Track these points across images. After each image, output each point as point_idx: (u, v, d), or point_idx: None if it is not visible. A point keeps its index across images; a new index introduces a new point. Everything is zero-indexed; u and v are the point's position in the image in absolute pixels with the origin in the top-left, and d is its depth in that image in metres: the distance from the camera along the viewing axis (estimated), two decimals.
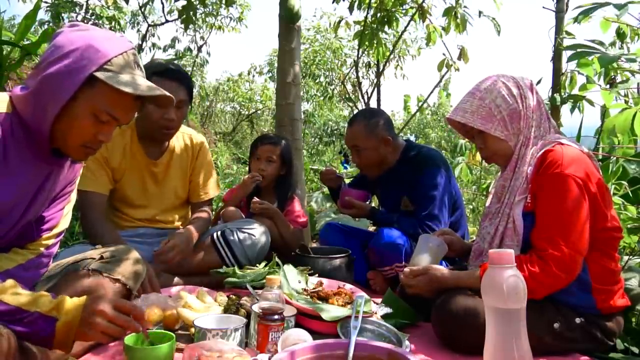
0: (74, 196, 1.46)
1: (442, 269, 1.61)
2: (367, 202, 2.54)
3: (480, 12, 3.58)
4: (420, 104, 5.17)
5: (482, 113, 1.57)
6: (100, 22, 7.96)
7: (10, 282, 1.09)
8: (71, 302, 1.10)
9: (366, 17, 3.89)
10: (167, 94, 1.30)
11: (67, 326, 1.07)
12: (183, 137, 2.30)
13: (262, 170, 2.48)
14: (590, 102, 2.39)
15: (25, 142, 1.21)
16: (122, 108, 1.25)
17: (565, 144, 1.50)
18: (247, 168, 2.59)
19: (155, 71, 2.05)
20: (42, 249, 1.37)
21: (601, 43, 1.82)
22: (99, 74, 1.18)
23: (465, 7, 3.58)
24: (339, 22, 4.66)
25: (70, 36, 1.20)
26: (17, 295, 1.07)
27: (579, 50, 1.80)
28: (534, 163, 1.51)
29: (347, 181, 2.75)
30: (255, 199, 2.40)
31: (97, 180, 2.06)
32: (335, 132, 13.79)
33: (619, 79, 2.41)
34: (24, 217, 1.27)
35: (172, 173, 2.26)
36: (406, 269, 1.67)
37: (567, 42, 2.59)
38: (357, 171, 5.57)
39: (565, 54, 2.68)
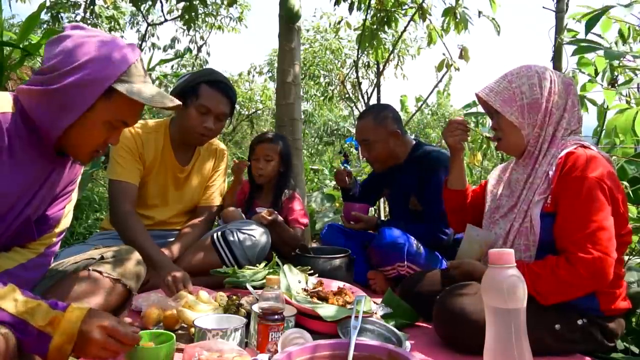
0: (74, 195, 1.46)
1: (474, 264, 1.63)
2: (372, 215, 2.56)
3: (479, 12, 3.57)
4: (420, 104, 5.17)
5: (505, 95, 1.58)
6: (99, 21, 7.97)
7: (9, 287, 1.08)
8: (67, 322, 1.07)
9: (365, 18, 3.89)
10: (179, 103, 1.33)
11: (60, 347, 1.06)
12: (209, 145, 2.33)
13: (260, 169, 2.48)
14: (593, 102, 2.38)
15: (29, 141, 1.21)
16: (134, 115, 1.29)
17: (587, 146, 1.50)
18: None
19: (206, 80, 2.12)
20: (42, 248, 1.37)
21: (601, 36, 1.81)
22: (117, 86, 1.20)
23: (465, 7, 3.58)
24: (339, 22, 4.66)
25: (81, 43, 1.20)
26: (15, 302, 1.05)
27: (582, 45, 1.78)
28: (556, 164, 1.50)
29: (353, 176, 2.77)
30: (261, 210, 2.37)
31: (131, 171, 2.08)
32: (335, 132, 13.79)
33: (620, 79, 2.41)
34: (22, 214, 1.26)
35: (194, 179, 2.29)
36: (451, 262, 1.73)
37: (568, 39, 2.59)
38: (357, 172, 5.58)
39: (566, 55, 2.67)
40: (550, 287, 1.40)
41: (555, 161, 1.50)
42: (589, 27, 1.77)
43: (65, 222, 1.44)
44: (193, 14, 4.82)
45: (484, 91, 1.63)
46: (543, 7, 2.84)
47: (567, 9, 2.83)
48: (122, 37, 8.15)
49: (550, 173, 1.51)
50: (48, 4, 6.71)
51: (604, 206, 1.40)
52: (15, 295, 1.06)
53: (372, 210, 2.74)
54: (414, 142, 2.48)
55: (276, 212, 2.37)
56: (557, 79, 1.59)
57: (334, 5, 3.84)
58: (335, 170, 2.79)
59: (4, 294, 1.05)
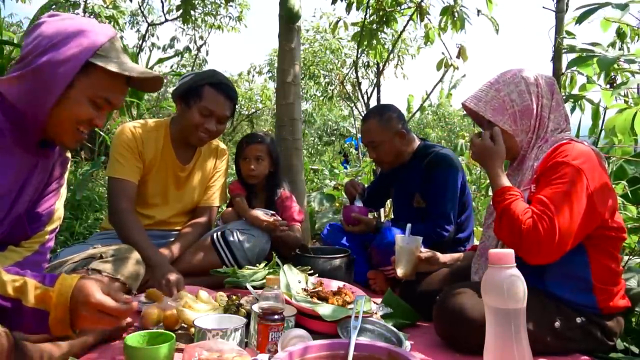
0: (63, 191, 1.45)
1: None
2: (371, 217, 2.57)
3: (478, 11, 3.57)
4: (422, 102, 5.16)
5: (495, 104, 1.58)
6: (99, 21, 7.96)
7: None
8: (59, 296, 1.04)
9: (365, 18, 3.89)
10: (158, 74, 1.33)
11: (60, 320, 1.04)
12: (210, 145, 2.33)
13: (252, 169, 2.46)
14: (591, 102, 2.38)
15: (10, 134, 1.20)
16: (116, 92, 1.29)
17: (577, 141, 1.50)
18: None
19: (210, 82, 2.12)
20: (37, 246, 1.36)
21: (595, 44, 1.83)
22: (94, 60, 1.21)
23: (463, 6, 3.58)
24: (337, 22, 4.65)
25: (56, 25, 1.21)
26: (3, 284, 1.03)
27: (578, 55, 1.81)
28: (543, 157, 1.51)
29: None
30: (260, 211, 2.36)
31: (130, 169, 2.08)
32: (335, 132, 13.78)
33: (619, 78, 2.41)
34: (13, 210, 1.26)
35: (195, 179, 2.29)
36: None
37: (567, 42, 2.59)
38: (357, 172, 5.58)
39: (566, 57, 2.67)
40: (508, 218, 1.43)
41: (543, 155, 1.52)
42: (580, 20, 1.78)
43: (57, 219, 1.43)
44: (190, 8, 4.80)
45: (471, 101, 1.62)
46: (543, 7, 2.84)
47: (567, 9, 2.83)
48: (121, 37, 8.15)
49: (536, 164, 1.52)
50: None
51: (574, 191, 1.38)
52: (0, 277, 1.04)
53: (370, 215, 2.73)
54: (419, 141, 2.49)
55: (285, 226, 2.34)
56: (541, 80, 1.60)
57: (332, 4, 3.85)
58: (345, 183, 2.78)
59: None
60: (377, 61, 4.37)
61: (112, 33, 1.27)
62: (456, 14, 3.55)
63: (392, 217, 2.87)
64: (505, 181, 1.53)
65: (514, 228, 1.41)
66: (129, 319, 1.51)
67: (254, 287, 1.82)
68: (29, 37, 1.21)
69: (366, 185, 2.79)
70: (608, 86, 2.36)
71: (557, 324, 1.44)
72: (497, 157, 1.56)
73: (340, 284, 1.94)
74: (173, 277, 1.79)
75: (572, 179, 1.39)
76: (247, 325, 1.46)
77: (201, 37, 8.72)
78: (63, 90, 1.19)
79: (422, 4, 3.73)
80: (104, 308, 1.04)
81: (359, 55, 4.64)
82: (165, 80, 7.79)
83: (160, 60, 5.74)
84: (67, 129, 1.25)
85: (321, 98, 10.74)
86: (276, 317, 1.35)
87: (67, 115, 1.22)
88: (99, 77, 1.23)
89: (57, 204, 1.43)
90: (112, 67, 1.22)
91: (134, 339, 1.24)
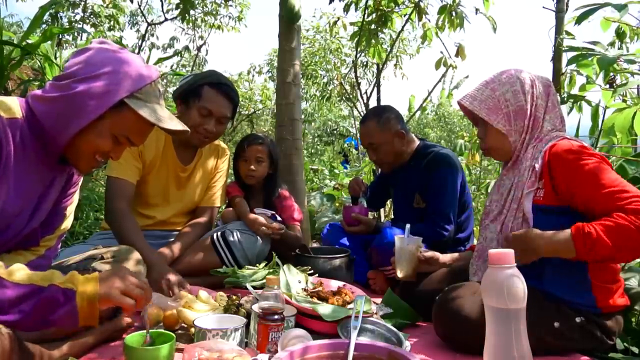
0: (76, 197, 1.47)
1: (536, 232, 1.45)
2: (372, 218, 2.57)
3: (477, 10, 3.58)
4: (422, 103, 5.15)
5: (489, 104, 1.59)
6: (99, 21, 7.97)
7: (17, 265, 1.07)
8: (84, 276, 1.09)
9: (363, 18, 3.89)
10: (187, 129, 1.35)
11: (88, 296, 1.06)
12: (211, 145, 2.33)
13: (252, 170, 2.45)
14: (589, 103, 2.39)
15: (33, 149, 1.22)
16: (140, 134, 1.31)
17: (571, 139, 1.51)
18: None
19: (209, 82, 2.12)
20: (43, 250, 1.38)
21: (596, 43, 1.83)
22: (128, 101, 1.22)
23: (460, 4, 3.58)
24: (335, 22, 4.65)
25: (102, 56, 1.23)
26: (28, 274, 1.05)
27: (578, 53, 1.81)
28: (542, 157, 1.51)
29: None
30: (259, 211, 2.37)
31: (129, 168, 2.08)
32: (335, 132, 13.78)
33: (618, 78, 2.41)
34: (29, 224, 1.28)
35: (196, 179, 2.29)
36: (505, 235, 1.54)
37: (567, 42, 2.60)
38: (357, 172, 5.58)
39: (566, 55, 2.68)
40: (622, 237, 1.29)
41: (541, 155, 1.51)
42: (580, 20, 1.79)
43: (66, 224, 1.45)
44: (191, 10, 4.80)
45: (467, 100, 1.63)
46: (543, 7, 2.85)
47: (567, 9, 2.83)
48: (121, 37, 8.14)
49: (537, 166, 1.51)
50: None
51: (610, 170, 1.40)
52: (25, 271, 1.06)
53: (370, 215, 2.75)
54: (419, 141, 2.49)
55: (283, 227, 2.34)
56: (537, 82, 1.60)
57: (329, 4, 3.86)
58: (350, 181, 2.79)
59: (14, 269, 1.05)
60: (377, 62, 4.36)
61: (153, 76, 1.28)
62: (454, 13, 3.56)
63: (392, 217, 2.87)
64: (562, 235, 1.37)
65: (630, 236, 1.29)
66: (128, 319, 1.52)
67: (254, 287, 1.82)
68: (74, 59, 1.23)
69: (347, 178, 2.79)
70: (607, 86, 2.36)
71: (556, 324, 1.44)
72: (536, 241, 1.41)
73: (340, 284, 1.94)
74: (173, 277, 1.79)
75: (594, 161, 1.40)
76: (247, 325, 1.46)
77: (201, 37, 8.73)
78: (91, 121, 1.20)
79: (421, 3, 3.73)
80: (135, 281, 1.13)
81: (357, 55, 4.64)
82: (165, 80, 7.82)
83: (160, 60, 5.72)
84: (85, 156, 1.27)
85: (320, 99, 10.72)
86: (276, 317, 1.35)
87: (87, 144, 1.24)
88: (128, 118, 1.24)
89: (68, 209, 1.45)
90: (144, 113, 1.23)
91: (134, 339, 1.24)
